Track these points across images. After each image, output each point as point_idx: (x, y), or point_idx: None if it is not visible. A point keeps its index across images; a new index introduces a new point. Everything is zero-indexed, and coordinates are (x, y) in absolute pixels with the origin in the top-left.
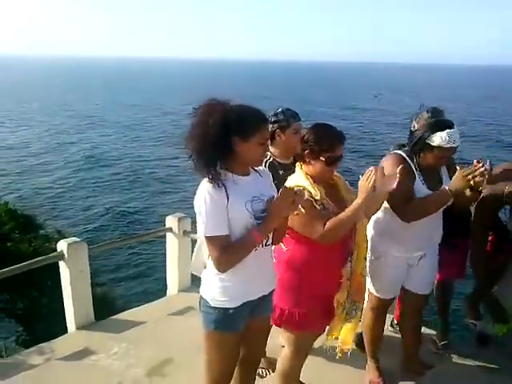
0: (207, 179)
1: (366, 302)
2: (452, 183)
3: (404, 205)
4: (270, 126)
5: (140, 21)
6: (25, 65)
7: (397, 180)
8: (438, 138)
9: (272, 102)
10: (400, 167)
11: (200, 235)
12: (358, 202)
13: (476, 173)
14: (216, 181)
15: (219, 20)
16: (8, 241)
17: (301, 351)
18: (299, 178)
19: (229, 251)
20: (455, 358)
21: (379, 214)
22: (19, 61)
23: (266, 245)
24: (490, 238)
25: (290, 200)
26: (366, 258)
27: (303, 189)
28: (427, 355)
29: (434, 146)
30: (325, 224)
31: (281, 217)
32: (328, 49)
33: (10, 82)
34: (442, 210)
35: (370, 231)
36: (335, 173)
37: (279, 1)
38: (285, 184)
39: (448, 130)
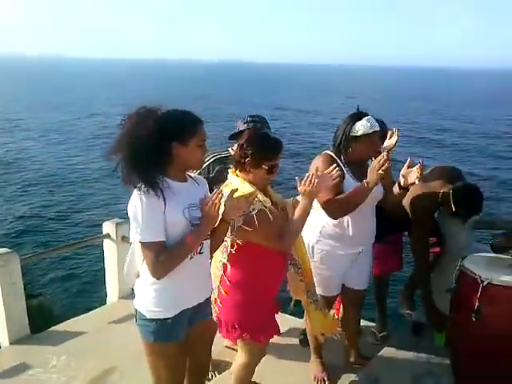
0: (142, 188)
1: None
2: (367, 176)
3: (330, 202)
4: (245, 125)
5: (89, 21)
6: None
7: (333, 177)
8: (360, 127)
9: (209, 101)
10: (334, 165)
11: (133, 241)
12: (303, 202)
13: (381, 162)
14: (154, 189)
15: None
16: None
17: (256, 357)
18: (243, 186)
19: (164, 257)
20: (393, 349)
21: (317, 215)
22: None
23: (200, 252)
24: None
25: (240, 208)
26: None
27: (250, 195)
28: (367, 347)
29: (359, 136)
30: (281, 231)
31: (214, 221)
32: (266, 51)
33: None
34: (373, 205)
35: (310, 234)
36: None
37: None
38: (224, 190)
39: (366, 117)
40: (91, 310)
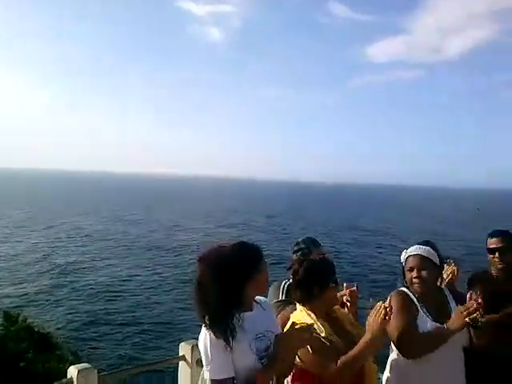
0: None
1: None
2: (450, 321)
3: (404, 340)
4: (294, 255)
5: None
6: None
7: (391, 314)
8: (402, 255)
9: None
10: (393, 301)
11: (207, 378)
12: (367, 337)
13: (470, 309)
14: (232, 333)
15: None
16: (22, 360)
17: None
18: (301, 316)
19: None
20: None
21: (394, 353)
22: None
23: None
24: None
25: (301, 338)
26: None
27: (308, 325)
28: None
29: (404, 267)
30: (336, 361)
31: (289, 358)
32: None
33: None
34: (460, 350)
35: (386, 373)
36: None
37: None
38: (289, 323)
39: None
40: None
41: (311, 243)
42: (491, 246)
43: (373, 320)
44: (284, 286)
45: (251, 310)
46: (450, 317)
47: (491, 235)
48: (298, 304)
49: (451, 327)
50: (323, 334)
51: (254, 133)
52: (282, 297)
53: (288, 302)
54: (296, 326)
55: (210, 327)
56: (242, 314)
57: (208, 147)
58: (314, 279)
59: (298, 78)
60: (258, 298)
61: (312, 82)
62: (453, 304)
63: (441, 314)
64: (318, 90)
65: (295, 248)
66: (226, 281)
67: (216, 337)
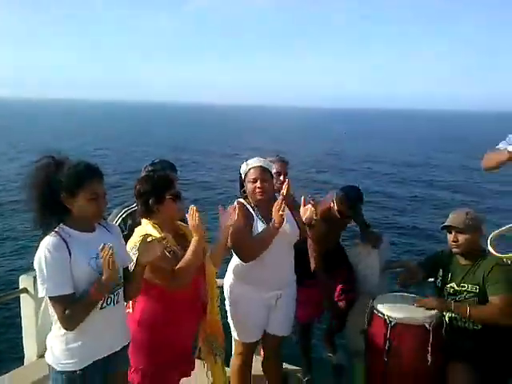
0: (49, 235)
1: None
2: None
3: (241, 247)
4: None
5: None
6: None
7: (231, 218)
8: (242, 169)
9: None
10: (233, 206)
11: (42, 295)
12: (194, 239)
13: (277, 206)
14: (57, 237)
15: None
16: None
17: None
18: (146, 228)
19: (71, 310)
20: None
21: (234, 259)
22: None
23: (117, 302)
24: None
25: (154, 251)
26: (218, 301)
27: (148, 236)
28: None
29: (244, 177)
30: (173, 268)
31: (113, 274)
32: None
33: None
34: (291, 248)
35: (228, 277)
36: (181, 223)
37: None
38: (138, 237)
39: (247, 161)
40: (6, 372)
41: (168, 167)
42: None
43: (191, 222)
44: (123, 213)
45: (94, 231)
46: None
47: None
48: (142, 219)
49: (275, 224)
50: (168, 244)
51: None
52: (115, 223)
53: None
54: (148, 239)
55: (41, 236)
56: (79, 232)
57: None
58: (149, 191)
59: None
60: (104, 221)
61: None
62: (286, 210)
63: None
64: None
65: (149, 168)
66: (42, 190)
67: (52, 251)
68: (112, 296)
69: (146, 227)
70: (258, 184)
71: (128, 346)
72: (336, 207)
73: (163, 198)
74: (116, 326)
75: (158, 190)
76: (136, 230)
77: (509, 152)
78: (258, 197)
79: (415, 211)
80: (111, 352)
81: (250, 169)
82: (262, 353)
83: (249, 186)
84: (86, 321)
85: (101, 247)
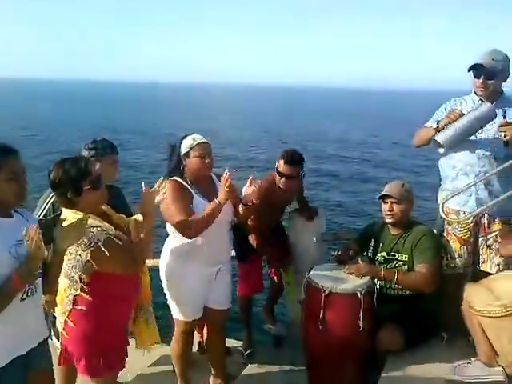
0: None
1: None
2: (218, 195)
3: (182, 223)
4: (87, 152)
5: None
6: None
7: (164, 194)
8: (185, 144)
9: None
10: (168, 190)
11: None
12: (215, 201)
13: (225, 179)
14: None
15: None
16: None
17: None
18: (75, 215)
19: None
20: (258, 365)
21: (170, 237)
22: None
23: (36, 292)
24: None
25: (72, 236)
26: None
27: (79, 221)
28: (235, 366)
29: (188, 152)
30: (132, 254)
31: (38, 257)
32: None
33: None
34: (228, 224)
35: (165, 256)
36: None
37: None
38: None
39: (188, 137)
40: None
41: (109, 147)
42: (282, 171)
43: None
44: (51, 197)
45: (11, 217)
46: (217, 195)
47: (286, 161)
48: (64, 209)
49: (220, 200)
50: (112, 232)
51: None
52: (39, 210)
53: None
54: (69, 222)
55: None
56: None
57: None
58: (64, 184)
59: None
60: (21, 209)
61: None
62: (218, 184)
63: (211, 194)
64: None
65: (90, 146)
66: None
67: None
68: (33, 287)
69: (68, 212)
70: (206, 159)
71: (47, 339)
72: (281, 168)
73: (81, 190)
74: (36, 318)
75: (74, 182)
76: (63, 215)
77: (434, 129)
78: (207, 172)
79: (349, 187)
80: (33, 346)
81: (196, 144)
82: (203, 332)
83: (194, 161)
84: (5, 313)
85: (24, 232)
